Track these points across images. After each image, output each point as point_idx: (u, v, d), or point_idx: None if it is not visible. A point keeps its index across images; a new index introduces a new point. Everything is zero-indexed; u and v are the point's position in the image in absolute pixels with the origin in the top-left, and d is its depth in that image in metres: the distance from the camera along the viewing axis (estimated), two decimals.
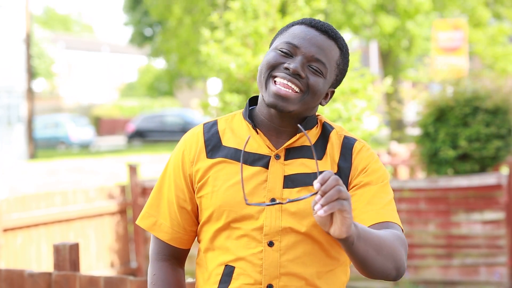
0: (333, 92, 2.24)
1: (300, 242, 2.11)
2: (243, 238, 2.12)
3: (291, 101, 2.11)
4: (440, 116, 9.08)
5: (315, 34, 2.15)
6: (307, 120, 2.19)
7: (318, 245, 2.13)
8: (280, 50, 2.14)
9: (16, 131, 26.19)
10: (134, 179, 8.08)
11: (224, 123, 2.24)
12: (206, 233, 2.19)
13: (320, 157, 2.18)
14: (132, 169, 8.11)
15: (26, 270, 3.56)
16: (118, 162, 20.28)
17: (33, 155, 26.05)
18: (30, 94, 26.35)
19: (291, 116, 2.15)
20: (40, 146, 31.94)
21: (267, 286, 2.11)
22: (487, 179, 7.45)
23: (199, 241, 2.25)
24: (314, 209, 1.84)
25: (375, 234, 2.01)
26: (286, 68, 2.11)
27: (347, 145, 2.21)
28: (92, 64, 60.44)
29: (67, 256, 3.53)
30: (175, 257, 2.27)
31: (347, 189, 2.16)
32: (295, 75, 2.11)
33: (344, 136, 2.23)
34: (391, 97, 24.95)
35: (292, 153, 2.17)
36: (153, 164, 19.11)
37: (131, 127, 34.37)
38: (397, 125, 26.74)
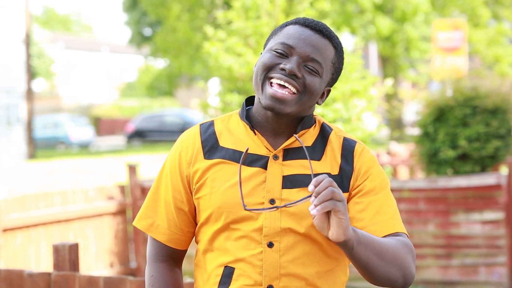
0: (329, 91, 2.25)
1: (300, 242, 2.11)
2: (242, 239, 2.12)
3: (288, 103, 2.11)
4: (440, 116, 9.08)
5: (309, 33, 2.15)
6: (305, 120, 2.19)
7: (317, 245, 2.13)
8: (275, 51, 2.14)
9: (16, 131, 26.19)
10: (133, 179, 8.08)
11: (221, 123, 2.24)
12: (205, 234, 2.18)
13: (319, 158, 2.18)
14: (132, 169, 8.11)
15: (25, 270, 3.56)
16: (118, 162, 20.29)
17: (32, 155, 26.05)
18: (30, 94, 26.35)
19: (288, 117, 2.15)
20: (40, 146, 31.94)
21: (267, 287, 2.11)
22: (486, 179, 7.45)
23: (197, 242, 2.24)
24: (311, 212, 1.89)
25: (377, 240, 2.03)
26: (282, 69, 2.11)
27: (348, 147, 2.21)
28: (92, 64, 60.43)
29: (67, 256, 3.53)
30: (173, 258, 2.26)
31: (348, 191, 2.16)
32: (291, 76, 2.11)
33: (344, 137, 2.23)
34: (391, 97, 24.95)
35: (290, 154, 2.16)
36: (153, 164, 19.10)
37: (131, 127, 34.38)
38: (396, 125, 26.75)
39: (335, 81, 2.25)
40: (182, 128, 32.30)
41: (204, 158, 2.18)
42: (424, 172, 9.56)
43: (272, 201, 2.12)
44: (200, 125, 2.25)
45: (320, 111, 5.96)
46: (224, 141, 2.19)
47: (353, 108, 6.09)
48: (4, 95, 25.94)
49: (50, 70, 45.40)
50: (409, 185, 7.67)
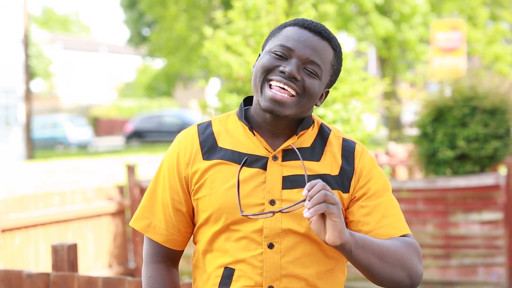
0: (327, 93, 2.25)
1: (300, 243, 2.12)
2: (242, 240, 2.12)
3: (287, 105, 2.11)
4: (438, 116, 9.08)
5: (308, 35, 2.14)
6: (304, 121, 2.19)
7: (317, 245, 2.13)
8: (274, 53, 2.13)
9: (14, 132, 26.17)
10: (132, 180, 8.08)
11: (219, 124, 2.23)
12: (204, 234, 2.18)
13: (318, 159, 2.18)
14: (130, 170, 8.11)
15: (24, 271, 3.55)
16: (116, 163, 20.27)
17: (31, 156, 26.03)
18: (28, 94, 26.33)
19: (287, 119, 2.15)
20: (38, 147, 31.92)
21: None
22: (485, 179, 7.45)
23: (195, 243, 2.24)
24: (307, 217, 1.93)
25: (378, 243, 2.05)
26: (282, 72, 2.11)
27: (348, 148, 2.21)
28: (90, 65, 60.42)
29: (65, 257, 3.53)
30: (170, 259, 2.25)
31: (349, 191, 2.17)
32: (291, 79, 2.11)
33: (343, 138, 2.24)
34: (390, 96, 24.97)
35: (289, 155, 2.16)
36: (151, 164, 19.09)
37: (129, 127, 34.36)
38: (395, 125, 26.75)
39: (334, 83, 2.25)
40: (181, 128, 32.27)
41: (203, 159, 2.17)
42: (422, 173, 9.55)
43: (272, 202, 2.12)
44: (198, 125, 2.24)
45: (321, 112, 5.97)
46: (223, 142, 2.19)
47: (353, 109, 6.10)
48: (3, 95, 25.93)
49: (48, 71, 45.40)
50: (408, 185, 7.68)
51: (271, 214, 2.05)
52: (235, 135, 2.19)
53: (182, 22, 25.82)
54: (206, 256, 2.18)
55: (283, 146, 2.16)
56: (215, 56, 6.55)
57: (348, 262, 2.13)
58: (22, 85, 26.20)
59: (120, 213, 8.07)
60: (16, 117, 26.29)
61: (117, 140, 37.65)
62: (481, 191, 7.46)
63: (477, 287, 7.47)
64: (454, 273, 7.55)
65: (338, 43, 2.20)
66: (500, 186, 7.37)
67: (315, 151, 2.18)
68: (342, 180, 2.17)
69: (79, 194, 7.62)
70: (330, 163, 2.18)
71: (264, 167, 2.14)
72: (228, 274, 2.13)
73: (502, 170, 9.65)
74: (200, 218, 2.18)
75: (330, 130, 2.24)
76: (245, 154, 2.16)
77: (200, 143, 2.19)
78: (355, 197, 2.17)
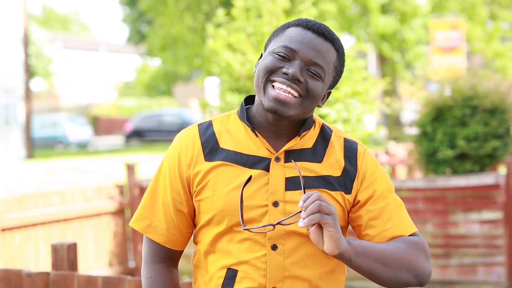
0: (329, 93, 2.24)
1: (303, 244, 2.12)
2: (245, 241, 2.12)
3: (290, 106, 2.10)
4: (438, 116, 9.08)
5: (312, 37, 2.13)
6: (306, 122, 2.18)
7: None
8: (277, 54, 2.12)
9: (14, 131, 26.17)
10: (132, 179, 8.08)
11: (220, 124, 2.22)
12: (205, 235, 2.18)
13: (320, 160, 2.17)
14: (130, 169, 8.10)
15: (24, 270, 3.55)
16: (116, 162, 20.28)
17: (31, 155, 26.03)
18: (28, 93, 26.33)
19: (290, 120, 2.14)
20: (38, 146, 31.93)
21: None
22: (485, 178, 7.45)
23: (195, 243, 2.23)
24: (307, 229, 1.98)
25: (380, 248, 2.07)
26: (285, 73, 2.10)
27: (350, 148, 2.21)
28: (90, 64, 60.42)
29: (65, 256, 3.52)
30: (170, 259, 2.25)
31: (351, 193, 2.17)
32: (294, 80, 2.10)
33: (344, 138, 2.24)
34: (390, 93, 24.98)
35: (292, 156, 2.16)
36: (151, 163, 19.10)
37: (129, 126, 34.36)
38: (395, 124, 26.75)
39: (336, 83, 2.24)
40: (181, 127, 32.26)
41: (205, 160, 2.16)
42: (422, 172, 9.56)
43: (275, 204, 2.11)
44: (198, 125, 2.23)
45: (325, 111, 5.96)
46: (224, 143, 2.18)
47: (353, 109, 6.10)
48: (3, 94, 25.92)
49: (48, 70, 45.41)
50: (408, 184, 7.67)
51: (272, 227, 2.07)
52: (236, 136, 2.18)
53: (181, 21, 25.83)
54: (208, 257, 2.18)
55: (286, 147, 2.15)
56: (217, 55, 6.55)
57: None
58: (22, 84, 26.20)
59: (120, 213, 8.07)
60: (16, 117, 26.29)
61: (117, 139, 37.65)
62: (481, 190, 7.46)
63: (477, 286, 7.47)
64: (454, 273, 7.55)
65: (341, 44, 2.20)
66: (499, 185, 7.37)
67: (317, 152, 2.18)
68: (345, 181, 2.17)
69: (79, 194, 7.62)
70: (332, 164, 2.18)
71: (267, 169, 2.14)
72: (231, 275, 2.13)
73: (502, 170, 9.65)
74: (202, 219, 2.17)
75: (332, 131, 2.24)
76: (247, 156, 2.15)
77: (202, 144, 2.18)
78: (359, 201, 2.18)
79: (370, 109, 6.23)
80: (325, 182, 2.15)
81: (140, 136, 33.85)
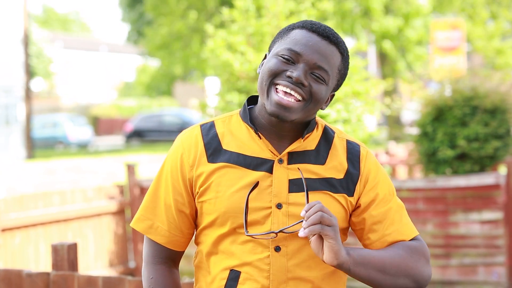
0: (333, 96, 2.24)
1: (305, 246, 2.12)
2: (248, 243, 2.12)
3: (293, 110, 2.09)
4: (439, 116, 9.07)
5: (317, 40, 2.12)
6: (309, 124, 2.19)
7: None
8: (281, 57, 2.12)
9: (14, 131, 26.17)
10: (132, 179, 8.08)
11: (222, 125, 2.21)
12: (208, 237, 2.17)
13: (323, 162, 2.17)
14: (130, 169, 8.10)
15: (24, 270, 3.55)
16: (116, 162, 20.28)
17: (31, 155, 26.03)
18: (28, 93, 26.33)
19: (293, 122, 2.14)
20: (38, 146, 31.92)
21: None
22: (485, 179, 7.45)
23: (197, 244, 2.23)
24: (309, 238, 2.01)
25: (379, 256, 2.09)
26: (289, 77, 2.09)
27: (353, 151, 2.22)
28: (90, 64, 60.43)
29: (65, 256, 3.52)
30: (171, 259, 2.24)
31: (353, 195, 2.18)
32: (297, 84, 2.09)
33: (347, 140, 2.24)
34: (390, 93, 24.99)
35: (295, 158, 2.16)
36: (151, 163, 19.10)
37: (129, 126, 34.36)
38: (395, 124, 26.76)
39: (340, 86, 2.24)
40: (181, 127, 32.28)
41: (208, 162, 2.15)
42: (422, 172, 9.55)
43: (279, 206, 2.11)
44: (201, 125, 2.22)
45: (325, 111, 5.96)
46: (227, 144, 2.17)
47: (354, 110, 6.10)
48: (3, 94, 25.92)
49: (48, 70, 45.43)
50: (408, 184, 7.67)
51: (274, 235, 2.09)
52: (239, 137, 2.18)
53: (182, 21, 25.84)
54: (210, 258, 2.17)
55: (289, 149, 2.15)
56: (216, 56, 6.55)
57: None
58: (22, 84, 26.19)
59: (120, 213, 8.07)
60: (16, 117, 26.29)
61: (117, 140, 37.65)
62: (481, 190, 7.45)
63: (477, 286, 7.47)
64: (454, 273, 7.55)
65: (345, 47, 2.19)
66: (500, 185, 7.37)
67: (320, 154, 2.18)
68: (347, 183, 2.17)
69: (79, 194, 7.62)
70: (335, 166, 2.18)
71: (270, 171, 2.13)
72: (234, 277, 2.13)
73: (502, 170, 9.64)
74: (205, 221, 2.17)
75: (334, 132, 2.24)
76: (251, 157, 2.14)
77: (205, 145, 2.17)
78: (361, 204, 2.18)
79: (371, 110, 6.23)
80: (328, 184, 2.15)
81: (140, 136, 33.85)
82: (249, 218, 2.10)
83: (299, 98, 2.10)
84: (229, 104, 6.53)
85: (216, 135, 2.18)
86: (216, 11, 23.36)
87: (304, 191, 2.12)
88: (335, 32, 2.17)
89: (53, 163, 21.48)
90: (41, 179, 16.68)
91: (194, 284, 2.25)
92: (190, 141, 2.19)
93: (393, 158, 12.30)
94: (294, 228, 2.09)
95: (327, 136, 2.22)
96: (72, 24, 76.56)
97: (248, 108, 2.24)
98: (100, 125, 43.41)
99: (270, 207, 2.11)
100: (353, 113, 6.06)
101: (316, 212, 1.96)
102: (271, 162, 2.14)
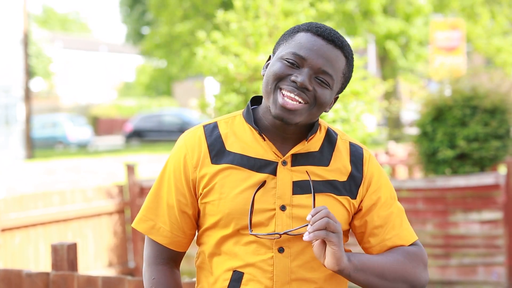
0: (336, 99, 2.24)
1: (308, 247, 2.12)
2: (252, 244, 2.12)
3: (297, 113, 2.10)
4: (438, 116, 9.08)
5: (321, 44, 2.11)
6: (313, 126, 2.19)
7: None
8: (286, 60, 2.11)
9: (14, 131, 26.16)
10: (132, 179, 8.08)
11: (225, 126, 2.21)
12: (211, 237, 2.17)
13: (326, 164, 2.17)
14: (130, 169, 8.10)
15: (24, 270, 3.55)
16: (116, 162, 20.27)
17: (31, 155, 26.03)
18: (28, 93, 26.32)
19: (297, 125, 2.14)
20: (38, 146, 31.91)
21: None
22: (485, 179, 7.45)
23: (199, 244, 2.23)
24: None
25: (378, 262, 2.11)
26: (293, 81, 2.09)
27: (356, 153, 2.22)
28: (90, 64, 60.42)
29: (65, 256, 3.52)
30: (173, 260, 2.24)
31: (355, 197, 2.18)
32: (302, 89, 2.09)
33: (350, 142, 2.24)
34: (390, 95, 24.99)
35: (298, 160, 2.16)
36: (151, 163, 19.10)
37: (129, 126, 34.35)
38: (395, 125, 26.76)
39: (344, 89, 2.24)
40: (180, 127, 32.28)
41: (211, 163, 2.15)
42: (422, 172, 9.56)
43: (283, 208, 2.12)
44: (204, 126, 2.21)
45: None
46: (231, 145, 2.17)
47: (353, 109, 6.10)
48: (2, 94, 25.92)
49: (48, 70, 45.39)
50: (408, 184, 7.67)
51: (278, 236, 2.09)
52: (243, 139, 2.17)
53: (183, 21, 25.86)
54: (213, 259, 2.17)
55: (293, 151, 2.15)
56: (211, 61, 6.54)
57: None
58: (22, 84, 26.19)
59: (120, 213, 8.07)
60: (15, 117, 26.28)
61: (117, 140, 37.64)
62: (481, 190, 7.46)
63: (477, 286, 7.47)
64: (454, 273, 7.55)
65: (350, 50, 2.18)
66: (499, 185, 7.37)
67: (324, 156, 2.18)
68: (350, 186, 2.18)
69: (79, 194, 7.62)
70: (339, 169, 2.18)
71: (274, 172, 2.13)
72: (237, 278, 2.13)
73: (502, 170, 9.65)
74: (208, 222, 2.17)
75: (337, 134, 2.24)
76: (254, 159, 2.14)
77: (208, 146, 2.17)
78: (363, 207, 2.19)
79: (370, 109, 6.23)
80: (331, 186, 2.15)
81: (140, 136, 33.84)
82: (253, 219, 2.10)
83: (303, 102, 2.10)
84: (226, 105, 6.54)
85: (219, 136, 2.18)
86: (215, 12, 23.40)
87: (308, 193, 2.13)
88: (340, 35, 2.16)
89: (52, 163, 21.48)
90: (41, 179, 16.68)
91: (196, 285, 2.24)
92: (194, 142, 2.18)
93: (392, 158, 12.30)
94: (299, 231, 2.09)
95: (330, 138, 2.22)
96: (71, 24, 76.53)
97: (252, 108, 2.24)
98: (100, 125, 43.41)
99: (274, 209, 2.12)
100: (352, 112, 6.06)
101: (322, 218, 1.97)
102: (275, 164, 2.14)
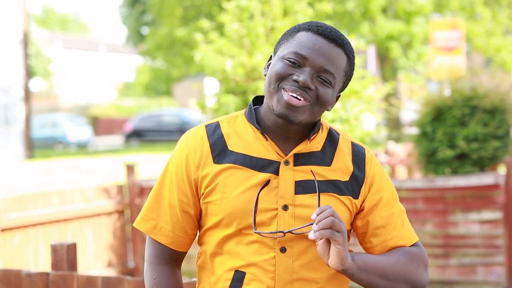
0: (338, 97, 2.25)
1: (311, 247, 2.12)
2: (254, 244, 2.12)
3: (300, 111, 2.10)
4: (438, 116, 9.08)
5: (322, 42, 2.12)
6: (315, 126, 2.19)
7: None
8: (288, 60, 2.12)
9: (14, 131, 26.16)
10: (131, 179, 8.07)
11: (227, 125, 2.21)
12: (212, 237, 2.17)
13: (328, 163, 2.18)
14: (130, 169, 8.10)
15: (23, 270, 3.55)
16: (116, 162, 20.27)
17: (30, 155, 26.02)
18: (28, 93, 26.32)
19: (299, 124, 2.14)
20: (38, 146, 31.91)
21: None
22: (484, 178, 7.45)
23: (200, 244, 2.23)
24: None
25: (381, 262, 2.12)
26: (295, 81, 2.10)
27: (358, 153, 2.23)
28: (90, 64, 60.41)
29: (65, 256, 3.52)
30: (174, 260, 2.24)
31: (357, 197, 2.19)
32: (304, 88, 2.09)
33: (352, 142, 2.25)
34: (390, 95, 25.01)
35: (301, 159, 2.16)
36: (151, 163, 19.09)
37: (129, 126, 34.35)
38: (394, 125, 26.77)
39: (346, 87, 2.25)
40: (180, 127, 32.29)
41: (214, 163, 2.15)
42: (422, 172, 9.56)
43: (285, 207, 2.12)
44: (206, 126, 2.21)
45: None
46: (233, 145, 2.17)
47: (351, 108, 6.09)
48: (2, 94, 25.92)
49: (48, 70, 45.39)
50: (407, 184, 7.67)
51: (282, 234, 2.09)
52: (245, 138, 2.18)
53: (183, 23, 25.88)
54: (214, 259, 2.17)
55: (295, 150, 2.15)
56: (210, 63, 6.54)
57: None
58: (21, 84, 26.18)
59: (120, 213, 8.07)
60: (15, 117, 26.28)
61: (117, 140, 37.64)
62: (481, 190, 7.46)
63: (476, 286, 7.47)
64: (454, 273, 7.55)
65: (351, 48, 2.19)
66: (499, 185, 7.37)
67: (326, 155, 2.19)
68: (352, 186, 2.18)
69: (79, 194, 7.62)
70: (341, 168, 2.18)
71: (276, 172, 2.14)
72: (238, 278, 2.13)
73: (502, 170, 9.65)
74: (209, 221, 2.17)
75: (339, 134, 2.25)
76: (257, 159, 2.15)
77: (210, 146, 2.17)
78: (365, 207, 2.20)
79: (369, 109, 6.23)
80: (333, 186, 2.16)
81: (140, 136, 33.84)
82: (256, 219, 2.10)
83: (306, 101, 2.10)
84: (223, 105, 6.53)
85: (221, 136, 2.18)
86: (215, 12, 23.41)
87: (310, 193, 2.13)
88: (341, 34, 2.17)
89: (52, 163, 21.47)
90: (40, 179, 16.68)
91: (197, 285, 2.24)
92: (196, 142, 2.19)
93: (392, 158, 12.30)
94: (303, 230, 2.09)
95: (332, 138, 2.22)
96: (71, 24, 76.52)
97: (254, 108, 2.24)
98: (100, 125, 43.41)
99: (276, 209, 2.12)
100: (351, 112, 6.06)
101: (327, 217, 1.98)
102: (277, 163, 2.14)
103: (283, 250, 2.11)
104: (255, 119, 2.20)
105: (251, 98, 6.41)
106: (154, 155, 23.07)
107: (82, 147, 33.00)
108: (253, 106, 2.25)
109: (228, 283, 2.14)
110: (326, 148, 2.20)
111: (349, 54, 2.17)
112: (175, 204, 2.19)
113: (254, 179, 2.13)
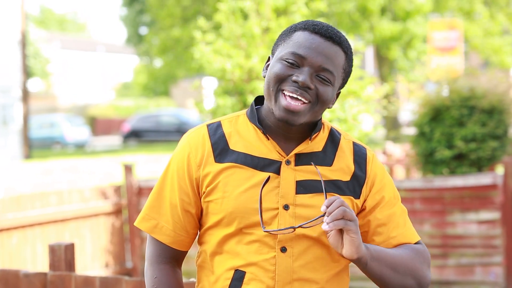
0: (338, 94, 2.25)
1: (311, 247, 2.13)
2: (254, 243, 2.12)
3: (301, 113, 2.10)
4: (436, 116, 9.08)
5: (320, 41, 2.12)
6: (317, 125, 2.20)
7: (326, 250, 2.15)
8: (286, 61, 2.12)
9: (12, 131, 26.15)
10: (129, 179, 8.07)
11: (229, 125, 2.21)
12: (212, 236, 2.17)
13: (330, 163, 2.18)
14: (128, 169, 8.10)
15: (21, 270, 3.55)
16: (114, 162, 20.26)
17: (28, 155, 26.01)
18: (26, 94, 26.31)
19: (301, 125, 2.15)
20: (36, 146, 31.89)
21: None
22: (482, 179, 7.45)
23: (200, 243, 2.23)
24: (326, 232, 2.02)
25: (391, 254, 2.12)
26: (295, 81, 2.10)
27: (360, 153, 2.23)
28: (88, 64, 60.39)
29: (63, 256, 3.52)
30: (175, 259, 2.24)
31: (359, 197, 2.19)
32: (304, 88, 2.09)
33: (353, 142, 2.25)
34: (388, 96, 25.01)
35: (302, 159, 2.16)
36: (149, 164, 19.09)
37: (127, 127, 34.35)
38: (392, 125, 26.78)
39: (345, 84, 2.25)
40: (178, 128, 32.30)
41: (215, 162, 2.15)
42: (420, 172, 9.56)
43: (286, 207, 2.12)
44: (207, 125, 2.22)
45: None
46: (234, 144, 2.17)
47: (349, 108, 6.09)
48: (0, 95, 25.91)
49: (46, 70, 45.40)
50: (405, 185, 7.68)
51: (292, 230, 2.09)
52: (247, 138, 2.18)
53: (183, 23, 25.90)
54: (214, 258, 2.17)
55: (296, 150, 2.15)
56: (208, 62, 6.54)
57: (351, 263, 2.17)
58: (20, 84, 26.17)
59: (118, 213, 8.06)
60: (13, 117, 26.27)
61: (115, 140, 37.63)
62: (479, 190, 7.46)
63: (474, 286, 7.48)
64: (452, 273, 7.55)
65: (348, 45, 2.19)
66: (497, 185, 7.38)
67: (327, 155, 2.19)
68: (354, 186, 2.18)
69: (76, 194, 7.62)
70: (342, 168, 2.19)
71: (277, 172, 2.14)
72: (238, 277, 2.12)
73: (500, 170, 9.65)
74: (210, 220, 2.17)
75: (340, 134, 2.25)
76: (258, 158, 2.15)
77: (212, 145, 2.17)
78: (366, 206, 2.20)
79: (367, 109, 6.23)
80: (335, 186, 2.16)
81: (138, 136, 33.84)
82: (256, 219, 2.11)
83: (306, 101, 2.11)
84: (219, 106, 6.53)
85: (223, 135, 2.19)
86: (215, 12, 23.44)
87: (311, 193, 2.13)
88: (338, 31, 2.17)
89: (50, 163, 21.46)
90: (38, 179, 16.67)
91: (196, 284, 2.24)
92: (197, 141, 2.19)
93: (390, 158, 12.30)
94: (313, 223, 2.09)
95: (334, 138, 2.22)
96: (69, 24, 76.49)
97: (256, 108, 2.24)
98: (98, 125, 43.39)
99: (277, 208, 2.12)
100: (349, 112, 6.05)
101: (338, 207, 1.98)
102: (279, 163, 2.14)
103: (283, 250, 2.11)
104: (257, 118, 2.20)
105: (248, 99, 6.42)
106: (152, 155, 23.07)
107: (80, 147, 32.99)
108: (255, 106, 2.25)
109: (228, 282, 2.13)
110: (327, 148, 2.20)
111: (347, 51, 2.17)
112: (176, 203, 2.19)
113: (255, 179, 2.13)
